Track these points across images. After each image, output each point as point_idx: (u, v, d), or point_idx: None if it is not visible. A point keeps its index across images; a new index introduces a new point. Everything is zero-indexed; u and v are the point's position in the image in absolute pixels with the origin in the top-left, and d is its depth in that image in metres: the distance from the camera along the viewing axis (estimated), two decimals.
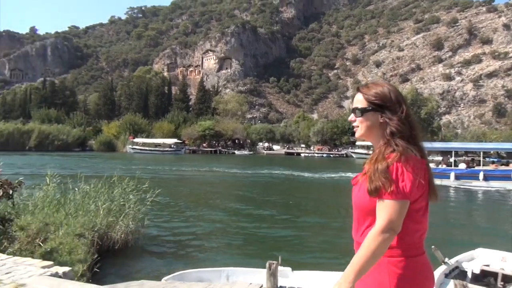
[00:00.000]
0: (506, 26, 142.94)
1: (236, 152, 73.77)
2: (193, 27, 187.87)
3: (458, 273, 5.39)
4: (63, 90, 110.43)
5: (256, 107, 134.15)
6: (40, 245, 6.31)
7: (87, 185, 8.41)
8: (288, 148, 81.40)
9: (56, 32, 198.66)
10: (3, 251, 5.30)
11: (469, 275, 5.36)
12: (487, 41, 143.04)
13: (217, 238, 8.71)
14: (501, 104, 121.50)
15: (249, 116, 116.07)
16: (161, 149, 66.54)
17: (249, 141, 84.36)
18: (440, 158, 26.07)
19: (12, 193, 5.43)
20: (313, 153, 72.20)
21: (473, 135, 73.42)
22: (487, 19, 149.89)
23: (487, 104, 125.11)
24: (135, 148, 66.61)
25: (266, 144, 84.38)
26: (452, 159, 23.46)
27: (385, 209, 1.52)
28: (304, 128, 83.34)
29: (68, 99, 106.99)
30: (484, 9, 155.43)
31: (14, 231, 5.60)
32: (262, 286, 4.08)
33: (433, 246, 5.45)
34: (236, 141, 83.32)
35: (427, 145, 1.70)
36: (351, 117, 1.77)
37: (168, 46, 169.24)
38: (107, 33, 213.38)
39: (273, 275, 3.89)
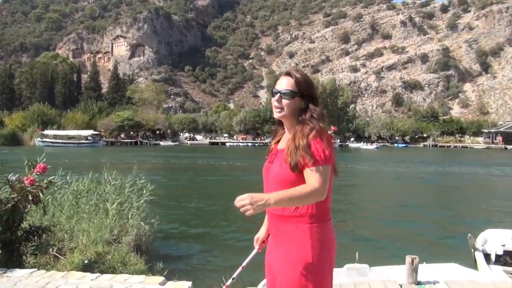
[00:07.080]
0: (403, 23, 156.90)
1: (161, 143, 71.14)
2: (101, 11, 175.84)
3: (484, 255, 5.68)
4: None
5: (172, 96, 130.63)
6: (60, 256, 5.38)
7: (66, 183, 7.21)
8: (211, 138, 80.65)
9: None
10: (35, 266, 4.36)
11: (493, 258, 5.69)
12: (387, 36, 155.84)
13: (236, 234, 7.98)
14: (399, 95, 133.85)
15: (165, 106, 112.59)
16: (76, 141, 61.56)
17: (169, 131, 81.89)
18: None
19: (42, 196, 4.43)
20: (238, 142, 72.58)
21: (383, 123, 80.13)
22: (387, 16, 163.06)
23: (387, 95, 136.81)
24: (45, 141, 60.62)
25: (187, 134, 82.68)
26: None
27: (313, 175, 1.67)
28: (225, 117, 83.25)
29: None
30: (384, 6, 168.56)
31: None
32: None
33: (469, 234, 5.70)
34: (157, 131, 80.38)
35: None
36: (276, 97, 1.84)
37: (74, 30, 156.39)
38: None
39: (415, 270, 3.71)
